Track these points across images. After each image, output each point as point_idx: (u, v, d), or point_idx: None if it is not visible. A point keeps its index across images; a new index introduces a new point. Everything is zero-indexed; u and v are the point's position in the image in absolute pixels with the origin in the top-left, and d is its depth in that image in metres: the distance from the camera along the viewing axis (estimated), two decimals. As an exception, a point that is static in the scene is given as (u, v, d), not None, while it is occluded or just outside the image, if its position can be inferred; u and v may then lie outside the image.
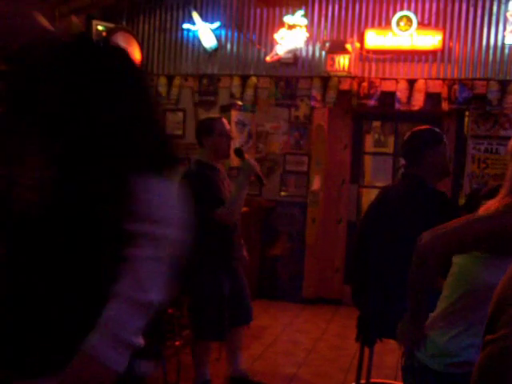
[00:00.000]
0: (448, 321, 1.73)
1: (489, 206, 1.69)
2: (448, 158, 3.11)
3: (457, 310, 1.72)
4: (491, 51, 5.90)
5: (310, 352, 4.87)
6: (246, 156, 3.62)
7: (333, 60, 6.16)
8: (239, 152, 3.62)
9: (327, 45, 6.23)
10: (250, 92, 6.52)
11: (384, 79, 6.15)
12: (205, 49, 6.69)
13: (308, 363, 4.61)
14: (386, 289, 2.80)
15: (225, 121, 3.68)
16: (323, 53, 6.32)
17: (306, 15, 6.29)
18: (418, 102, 5.99)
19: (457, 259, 1.78)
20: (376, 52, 6.17)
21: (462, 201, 5.81)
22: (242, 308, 3.82)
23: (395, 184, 3.31)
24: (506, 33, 5.83)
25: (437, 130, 3.14)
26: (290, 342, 5.13)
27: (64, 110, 1.21)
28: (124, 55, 1.31)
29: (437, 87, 5.99)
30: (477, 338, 1.67)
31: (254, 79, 6.53)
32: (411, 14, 5.97)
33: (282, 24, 6.32)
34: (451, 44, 6.00)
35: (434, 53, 6.03)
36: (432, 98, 5.99)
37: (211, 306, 3.57)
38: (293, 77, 6.44)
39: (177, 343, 4.15)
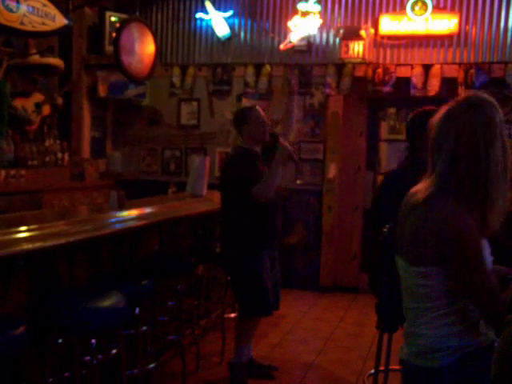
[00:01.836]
0: (423, 322, 1.73)
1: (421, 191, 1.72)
2: None
3: (435, 315, 1.71)
4: (509, 33, 5.81)
5: (328, 340, 4.87)
6: (281, 139, 3.81)
7: (347, 47, 6.11)
8: (274, 136, 3.84)
9: (341, 31, 6.17)
10: (264, 80, 6.50)
11: (399, 65, 6.09)
12: (218, 38, 6.67)
13: (326, 351, 4.61)
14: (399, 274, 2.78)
15: (259, 108, 3.89)
16: (337, 39, 6.26)
17: (319, 1, 6.23)
18: (434, 87, 5.93)
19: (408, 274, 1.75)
20: (391, 37, 6.11)
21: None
22: (274, 293, 3.89)
23: (399, 168, 3.26)
24: (524, 15, 5.74)
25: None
26: (308, 330, 5.13)
27: None
28: None
29: (453, 72, 5.92)
30: (455, 326, 1.68)
31: (268, 67, 6.50)
32: (426, -2, 5.89)
33: (295, 11, 6.27)
34: (467, 27, 5.92)
35: (449, 37, 5.95)
36: (448, 82, 5.92)
37: (256, 282, 3.72)
38: (307, 64, 6.40)
39: (195, 332, 4.18)
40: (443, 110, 1.72)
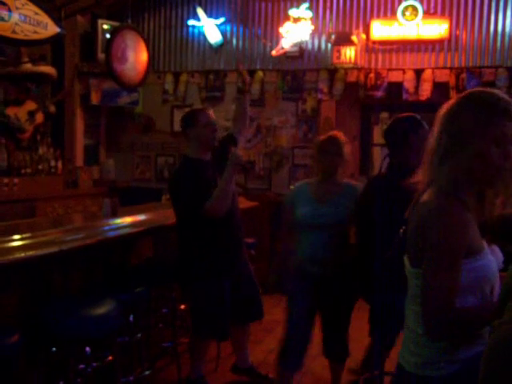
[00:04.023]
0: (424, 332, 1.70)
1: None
2: None
3: None
4: (499, 38, 5.85)
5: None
6: (232, 148, 3.59)
7: (339, 52, 6.14)
8: (233, 139, 3.63)
9: (333, 37, 6.20)
10: (256, 86, 6.51)
11: (391, 70, 6.12)
12: (210, 45, 6.69)
13: (321, 356, 4.60)
14: (388, 280, 2.77)
15: (210, 112, 3.63)
16: (329, 45, 6.30)
17: (310, 8, 6.27)
18: (426, 91, 5.97)
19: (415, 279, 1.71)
20: (382, 43, 6.14)
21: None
22: (250, 305, 3.80)
23: (382, 174, 3.28)
24: (514, 19, 5.79)
25: (417, 116, 3.16)
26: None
27: None
28: None
29: (444, 76, 5.96)
30: None
31: (260, 73, 6.52)
32: (417, 3, 5.93)
33: (287, 17, 6.31)
34: (458, 32, 5.96)
35: (440, 41, 5.99)
36: (440, 87, 5.95)
37: (213, 308, 3.53)
38: (299, 70, 6.42)
39: (190, 339, 4.16)
40: (444, 107, 1.69)
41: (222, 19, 6.60)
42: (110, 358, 3.06)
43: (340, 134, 3.43)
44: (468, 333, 1.56)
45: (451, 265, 1.56)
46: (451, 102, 1.69)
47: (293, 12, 6.25)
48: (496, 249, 1.72)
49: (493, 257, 1.68)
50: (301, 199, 3.41)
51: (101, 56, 6.31)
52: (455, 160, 1.62)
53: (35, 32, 4.71)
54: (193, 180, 3.38)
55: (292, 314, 3.46)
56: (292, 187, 3.66)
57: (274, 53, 6.40)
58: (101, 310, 2.72)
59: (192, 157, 3.53)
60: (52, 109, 6.21)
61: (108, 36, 6.04)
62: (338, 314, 3.46)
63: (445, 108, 1.69)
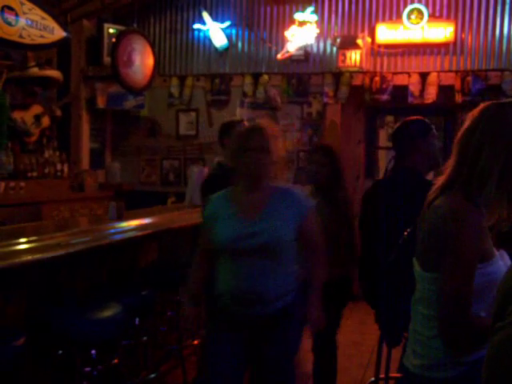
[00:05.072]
0: (434, 335, 1.69)
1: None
2: (438, 148, 3.08)
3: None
4: (505, 41, 5.85)
5: (328, 348, 4.85)
6: None
7: (344, 55, 6.15)
8: None
9: (338, 40, 6.21)
10: (261, 90, 6.52)
11: (396, 73, 6.12)
12: (216, 48, 6.70)
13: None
14: (394, 284, 2.75)
15: (246, 124, 3.71)
16: (334, 48, 6.30)
17: (316, 11, 6.28)
18: (431, 95, 5.96)
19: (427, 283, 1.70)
20: (387, 46, 6.15)
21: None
22: None
23: (388, 178, 3.26)
24: (519, 22, 5.78)
25: (426, 120, 3.14)
26: (308, 339, 5.11)
27: None
28: None
29: (450, 79, 5.95)
30: None
31: (265, 77, 6.53)
32: (422, 7, 5.93)
33: (292, 21, 6.32)
34: (463, 35, 5.96)
35: (446, 45, 5.99)
36: (445, 90, 5.95)
37: None
38: (304, 74, 6.43)
39: (195, 342, 4.17)
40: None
41: (227, 23, 6.62)
42: (116, 360, 3.07)
43: (266, 125, 2.61)
44: (480, 339, 1.56)
45: (469, 269, 1.57)
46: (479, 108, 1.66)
47: (298, 16, 6.26)
48: (504, 253, 1.72)
49: (502, 261, 1.68)
50: (221, 215, 2.55)
51: (107, 60, 6.33)
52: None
53: (42, 36, 4.73)
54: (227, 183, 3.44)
55: (214, 375, 2.60)
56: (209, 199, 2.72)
57: (279, 56, 6.41)
58: (106, 313, 2.73)
59: (226, 164, 3.53)
60: (58, 112, 6.23)
61: (114, 40, 6.06)
62: (277, 372, 2.60)
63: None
